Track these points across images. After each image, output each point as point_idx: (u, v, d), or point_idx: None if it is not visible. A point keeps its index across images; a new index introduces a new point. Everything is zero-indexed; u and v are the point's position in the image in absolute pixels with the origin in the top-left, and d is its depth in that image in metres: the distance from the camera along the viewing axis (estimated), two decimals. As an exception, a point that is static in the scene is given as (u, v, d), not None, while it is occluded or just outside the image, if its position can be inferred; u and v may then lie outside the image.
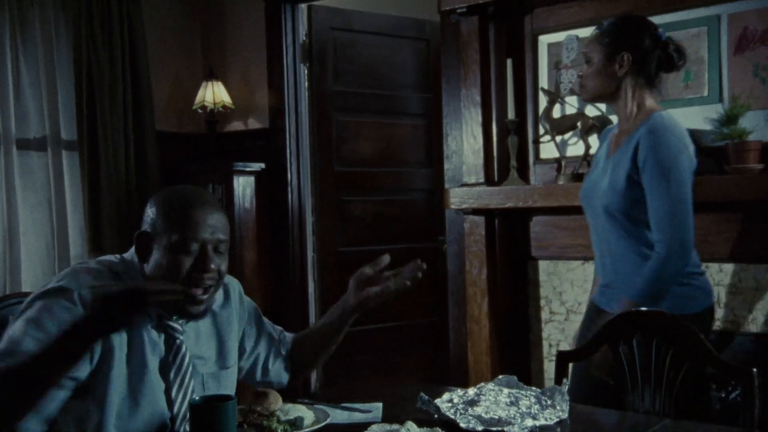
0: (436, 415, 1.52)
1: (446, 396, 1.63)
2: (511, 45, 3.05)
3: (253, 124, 3.87)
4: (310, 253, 3.84)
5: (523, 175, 3.03)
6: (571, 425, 1.54)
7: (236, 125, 3.91)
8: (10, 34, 3.24)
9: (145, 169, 3.54)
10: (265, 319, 1.78)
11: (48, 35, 3.34)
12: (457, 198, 2.95)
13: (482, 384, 1.68)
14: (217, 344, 1.60)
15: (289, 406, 1.46)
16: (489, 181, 3.01)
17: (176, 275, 1.41)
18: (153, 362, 1.45)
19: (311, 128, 3.84)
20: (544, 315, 3.13)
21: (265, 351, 1.73)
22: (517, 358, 3.13)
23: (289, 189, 3.74)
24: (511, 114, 2.96)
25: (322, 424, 1.42)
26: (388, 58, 4.07)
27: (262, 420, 1.39)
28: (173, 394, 1.46)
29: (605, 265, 2.10)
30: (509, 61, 2.97)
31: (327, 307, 3.82)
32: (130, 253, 1.51)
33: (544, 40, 3.06)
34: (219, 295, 1.57)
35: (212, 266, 1.43)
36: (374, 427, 1.45)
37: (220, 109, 3.71)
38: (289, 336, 1.78)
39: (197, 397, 1.16)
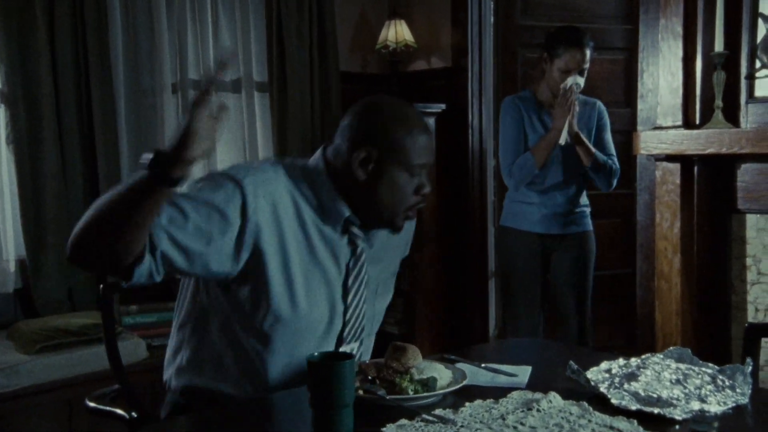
0: (587, 387, 1.37)
1: (604, 365, 1.47)
2: (725, -36, 2.63)
3: (436, 63, 3.78)
4: (490, 198, 3.72)
5: (732, 116, 2.65)
6: (754, 414, 1.32)
7: (419, 65, 3.84)
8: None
9: (329, 109, 3.61)
10: None
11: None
12: (647, 142, 2.66)
13: (648, 355, 1.50)
14: (403, 250, 1.63)
15: (426, 363, 1.39)
16: (688, 123, 2.68)
17: (404, 198, 1.42)
18: (334, 263, 1.45)
19: (495, 66, 3.66)
20: (751, 275, 2.77)
21: None
22: (714, 322, 2.82)
23: (470, 131, 3.62)
24: (718, 47, 2.58)
25: (456, 387, 1.34)
26: (585, -13, 3.74)
27: (395, 376, 1.34)
28: (349, 298, 1.47)
29: None
30: (721, -16, 2.57)
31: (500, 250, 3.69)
32: (315, 161, 1.47)
33: (769, -44, 2.61)
34: None
35: (428, 190, 1.46)
36: (514, 394, 1.35)
37: (403, 48, 3.65)
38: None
39: (316, 354, 1.13)
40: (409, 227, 1.63)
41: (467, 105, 3.61)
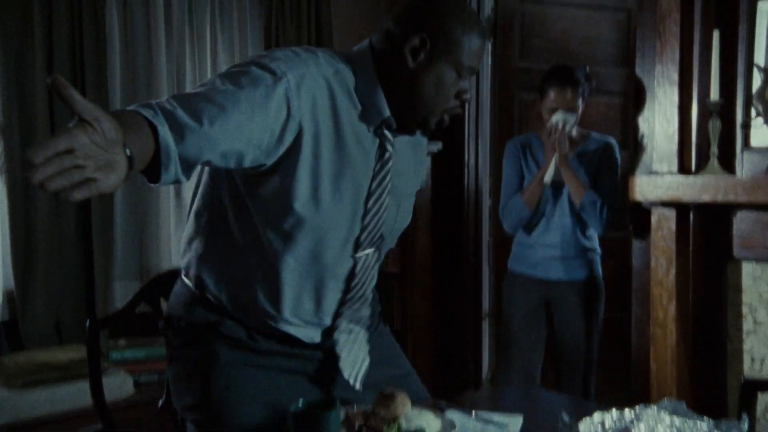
0: (579, 441, 1.34)
1: (597, 417, 1.44)
2: (721, 15, 2.66)
3: (434, 102, 3.78)
4: (485, 238, 3.70)
5: (727, 164, 2.65)
6: (748, 472, 1.29)
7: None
8: (210, 11, 3.41)
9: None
10: None
11: (242, 6, 3.49)
12: (642, 187, 2.65)
13: (643, 406, 1.47)
14: (420, 170, 1.60)
15: (415, 412, 1.36)
16: (683, 170, 2.67)
17: (445, 98, 1.39)
18: (363, 166, 1.41)
19: (492, 107, 3.67)
20: (747, 325, 2.74)
21: None
22: (710, 371, 2.78)
23: (466, 171, 3.62)
24: (715, 94, 2.59)
25: (444, 438, 1.31)
26: (582, 31, 3.77)
27: (383, 425, 1.31)
28: (370, 203, 1.42)
29: None
30: (716, 33, 2.59)
31: (501, 294, 3.69)
32: (360, 46, 1.43)
33: (764, 7, 2.63)
34: None
35: (468, 97, 1.42)
36: (504, 446, 1.32)
37: (401, 87, 3.66)
38: None
39: (300, 403, 1.10)
40: (424, 153, 1.62)
41: (464, 145, 3.61)
